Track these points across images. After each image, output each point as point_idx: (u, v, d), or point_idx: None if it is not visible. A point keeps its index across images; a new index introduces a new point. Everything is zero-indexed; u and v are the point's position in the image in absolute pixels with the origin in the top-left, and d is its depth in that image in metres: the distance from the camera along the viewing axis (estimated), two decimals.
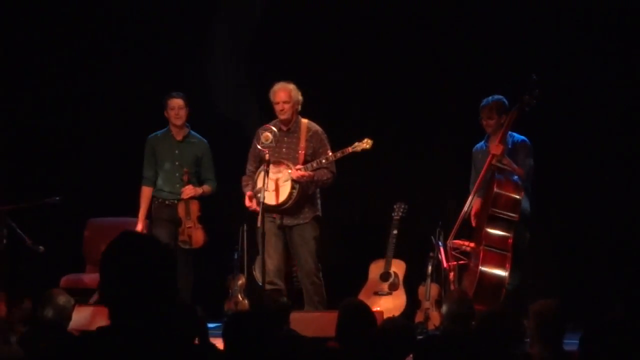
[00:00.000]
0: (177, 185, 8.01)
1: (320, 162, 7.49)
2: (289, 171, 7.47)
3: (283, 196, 7.47)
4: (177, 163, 8.04)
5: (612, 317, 4.69)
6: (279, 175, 7.49)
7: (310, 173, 7.47)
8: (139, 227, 7.94)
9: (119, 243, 2.59)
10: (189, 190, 7.95)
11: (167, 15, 9.40)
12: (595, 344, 3.81)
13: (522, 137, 7.48)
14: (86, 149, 9.29)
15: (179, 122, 8.04)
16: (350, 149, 7.40)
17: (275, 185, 7.46)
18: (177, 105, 8.02)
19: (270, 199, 7.41)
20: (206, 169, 8.16)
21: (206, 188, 8.09)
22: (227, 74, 9.61)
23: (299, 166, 7.48)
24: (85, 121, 9.34)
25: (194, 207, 7.97)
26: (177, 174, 8.02)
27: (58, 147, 9.34)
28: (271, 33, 9.41)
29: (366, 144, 7.37)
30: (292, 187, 7.47)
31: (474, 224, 7.43)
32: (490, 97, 7.43)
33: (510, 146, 7.39)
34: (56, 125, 9.37)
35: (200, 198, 8.04)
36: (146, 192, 8.09)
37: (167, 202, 8.04)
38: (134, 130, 8.15)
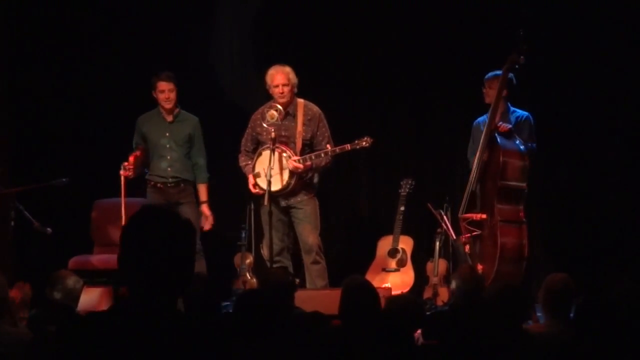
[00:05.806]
0: (169, 169, 7.87)
1: (319, 155, 7.47)
2: (287, 156, 7.45)
3: (282, 184, 7.49)
4: (168, 146, 7.88)
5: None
6: (277, 162, 7.46)
7: (308, 164, 7.46)
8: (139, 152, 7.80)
9: (140, 217, 2.57)
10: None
11: None
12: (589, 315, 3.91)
13: (526, 114, 7.41)
14: (93, 130, 9.27)
15: (168, 106, 7.87)
16: (349, 147, 7.39)
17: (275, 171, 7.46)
18: (167, 88, 7.84)
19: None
20: (196, 150, 7.97)
21: (203, 189, 7.95)
22: (232, 53, 9.58)
23: (296, 157, 7.47)
24: (92, 102, 9.31)
25: None
26: (169, 157, 7.87)
27: (65, 129, 9.33)
28: (275, 13, 9.38)
29: (365, 142, 7.35)
30: (290, 177, 7.48)
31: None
32: (497, 71, 7.37)
33: (514, 122, 7.34)
34: (63, 107, 9.35)
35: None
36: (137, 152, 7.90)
37: (159, 185, 7.91)
38: (142, 111, 8.11)
